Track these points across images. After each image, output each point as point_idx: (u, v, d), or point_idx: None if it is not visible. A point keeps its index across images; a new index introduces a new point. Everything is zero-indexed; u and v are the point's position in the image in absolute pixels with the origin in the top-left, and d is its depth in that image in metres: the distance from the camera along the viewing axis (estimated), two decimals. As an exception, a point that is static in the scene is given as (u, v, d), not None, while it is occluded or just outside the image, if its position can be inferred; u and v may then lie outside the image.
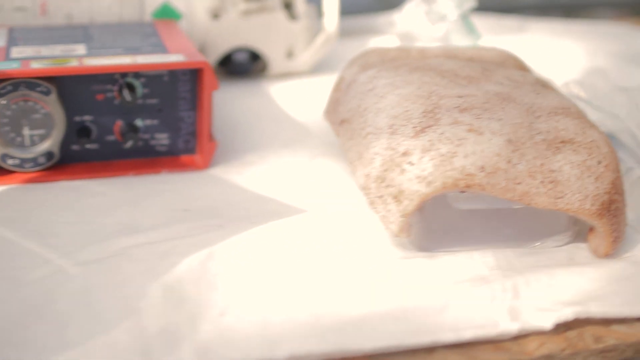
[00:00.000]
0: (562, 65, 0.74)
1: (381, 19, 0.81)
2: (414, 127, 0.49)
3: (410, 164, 0.47)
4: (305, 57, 0.70)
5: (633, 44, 0.81)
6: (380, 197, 0.48)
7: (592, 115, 0.60)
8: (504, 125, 0.49)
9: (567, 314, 0.44)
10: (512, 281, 0.46)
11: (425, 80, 0.53)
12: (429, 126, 0.48)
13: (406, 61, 0.57)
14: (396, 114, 0.50)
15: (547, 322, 0.44)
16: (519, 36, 0.81)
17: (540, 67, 0.73)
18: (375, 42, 0.79)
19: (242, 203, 0.53)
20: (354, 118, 0.53)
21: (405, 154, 0.47)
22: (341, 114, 0.55)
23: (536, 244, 0.51)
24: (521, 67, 0.59)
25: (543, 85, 0.55)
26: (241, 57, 0.69)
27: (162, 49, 0.58)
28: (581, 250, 0.51)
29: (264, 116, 0.65)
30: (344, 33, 0.80)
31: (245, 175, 0.57)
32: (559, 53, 0.77)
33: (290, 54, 0.70)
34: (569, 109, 0.52)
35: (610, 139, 0.59)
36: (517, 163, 0.47)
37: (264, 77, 0.72)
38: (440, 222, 0.49)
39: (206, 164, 0.58)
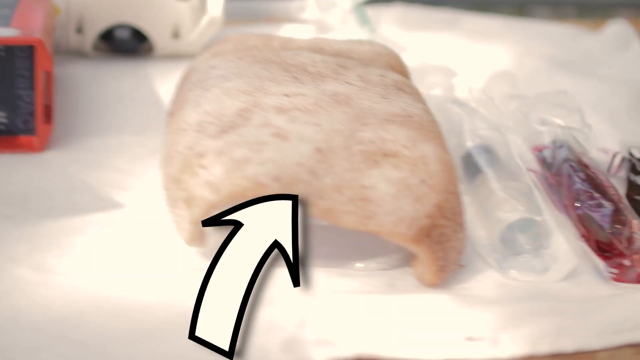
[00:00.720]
0: (476, 66, 0.67)
1: (293, 3, 0.75)
2: (218, 126, 0.44)
3: (203, 167, 0.42)
4: (192, 38, 0.66)
5: (572, 48, 0.74)
6: (175, 200, 0.43)
7: (471, 125, 0.54)
8: (320, 131, 0.43)
9: (347, 352, 0.39)
10: (303, 307, 0.41)
11: (261, 75, 0.48)
12: (236, 126, 0.44)
13: (257, 52, 0.52)
14: (209, 110, 0.45)
15: (321, 358, 0.39)
16: (446, 32, 0.75)
17: (455, 66, 0.67)
18: (287, 29, 0.73)
19: (55, 192, 0.49)
20: (177, 111, 0.48)
21: (200, 155, 0.43)
22: (172, 106, 0.51)
23: (358, 265, 0.46)
24: (393, 66, 0.54)
25: (399, 89, 0.50)
26: (123, 34, 0.65)
27: (5, 22, 0.54)
28: (409, 276, 0.45)
29: (131, 99, 0.61)
30: (256, 16, 0.75)
31: (79, 162, 0.53)
32: (481, 52, 0.71)
33: (176, 35, 0.66)
34: (410, 118, 0.46)
35: (486, 152, 0.53)
36: (323, 175, 0.42)
37: (151, 58, 0.67)
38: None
39: (41, 147, 0.54)
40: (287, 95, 0.46)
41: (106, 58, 0.67)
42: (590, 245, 0.49)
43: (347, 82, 0.49)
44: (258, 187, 0.41)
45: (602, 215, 0.48)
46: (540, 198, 0.51)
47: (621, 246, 0.47)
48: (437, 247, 0.43)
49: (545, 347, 0.42)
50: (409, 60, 0.68)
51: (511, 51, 0.70)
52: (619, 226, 0.48)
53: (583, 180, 0.51)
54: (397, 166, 0.43)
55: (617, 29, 0.76)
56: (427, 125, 0.46)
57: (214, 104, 0.46)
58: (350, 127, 0.44)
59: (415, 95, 0.50)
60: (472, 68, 0.67)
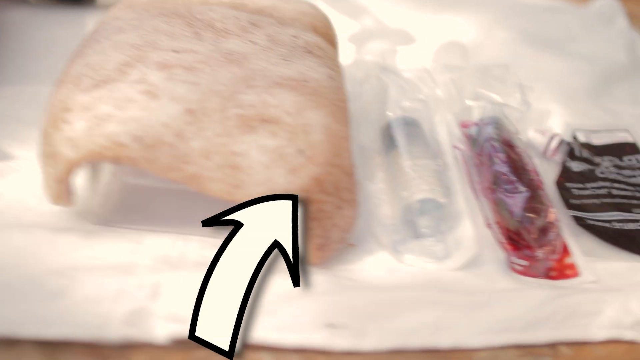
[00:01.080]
0: (437, 35, 0.63)
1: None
2: (94, 80, 0.41)
3: (67, 122, 0.39)
4: (134, -11, 0.63)
5: (550, 22, 0.68)
6: (42, 156, 0.41)
7: (396, 95, 0.50)
8: (195, 91, 0.40)
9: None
10: (158, 277, 0.39)
11: (159, 28, 0.45)
12: (111, 81, 0.41)
13: (171, 4, 0.49)
14: (91, 63, 0.42)
15: (163, 335, 0.36)
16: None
17: (416, 34, 0.63)
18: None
19: (-55, 141, 0.48)
20: (69, 62, 0.46)
21: (66, 109, 0.40)
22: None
23: (239, 238, 0.43)
24: (316, 27, 0.50)
25: (309, 51, 0.46)
26: (64, -18, 0.62)
27: None
28: (294, 253, 0.43)
29: (60, 49, 0.57)
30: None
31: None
32: (446, 21, 0.66)
33: (118, -16, 0.63)
34: (305, 83, 0.43)
35: (406, 126, 0.49)
36: (190, 138, 0.39)
37: (94, 8, 0.65)
38: (118, 194, 0.42)
39: (-50, 94, 0.52)
40: (175, 51, 0.43)
41: (48, 6, 0.65)
42: (502, 233, 0.45)
43: (250, 41, 0.46)
44: (116, 146, 0.38)
45: (514, 201, 0.45)
46: (458, 178, 0.47)
47: (529, 237, 0.43)
48: (314, 223, 0.40)
49: (417, 342, 0.38)
50: (363, 23, 0.65)
51: (480, 22, 0.65)
52: (532, 215, 0.44)
53: (503, 162, 0.46)
54: (274, 133, 0.40)
55: (602, 4, 0.70)
56: (324, 92, 0.43)
57: (98, 57, 0.43)
58: (232, 89, 0.41)
59: (326, 59, 0.46)
60: (431, 37, 0.63)
